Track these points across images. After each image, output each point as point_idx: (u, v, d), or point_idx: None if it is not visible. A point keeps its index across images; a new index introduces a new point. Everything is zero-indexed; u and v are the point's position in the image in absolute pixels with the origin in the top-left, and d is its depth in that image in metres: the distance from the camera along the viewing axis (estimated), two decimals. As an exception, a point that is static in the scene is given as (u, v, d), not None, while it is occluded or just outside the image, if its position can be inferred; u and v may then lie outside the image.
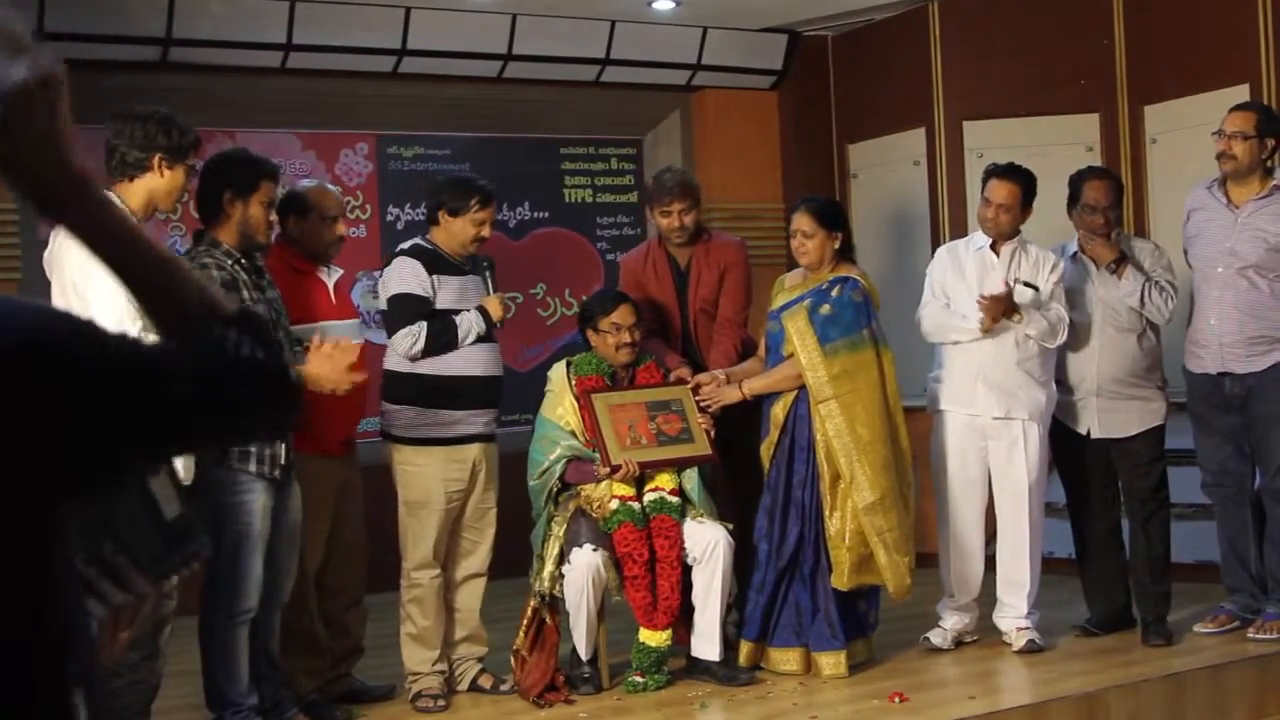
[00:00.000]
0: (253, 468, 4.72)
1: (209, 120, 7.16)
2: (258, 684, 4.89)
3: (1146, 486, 6.05)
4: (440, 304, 5.44)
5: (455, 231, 5.51)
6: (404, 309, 5.43)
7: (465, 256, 5.56)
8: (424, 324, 5.39)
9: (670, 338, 6.06)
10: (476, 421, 5.48)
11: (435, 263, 5.48)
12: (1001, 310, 5.75)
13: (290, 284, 5.20)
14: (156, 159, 4.39)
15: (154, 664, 4.42)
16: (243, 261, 4.80)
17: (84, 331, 1.49)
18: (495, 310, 5.47)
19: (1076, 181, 6.12)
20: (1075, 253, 6.11)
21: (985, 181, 6.07)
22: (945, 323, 5.97)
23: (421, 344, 5.38)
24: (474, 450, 5.48)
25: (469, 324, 5.42)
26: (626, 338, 5.64)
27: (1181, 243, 6.19)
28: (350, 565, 5.49)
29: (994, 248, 6.00)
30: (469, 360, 5.45)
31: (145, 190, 4.40)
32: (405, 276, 5.44)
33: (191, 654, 4.90)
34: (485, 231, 5.52)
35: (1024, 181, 6.00)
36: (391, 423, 5.52)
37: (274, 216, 5.03)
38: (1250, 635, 5.82)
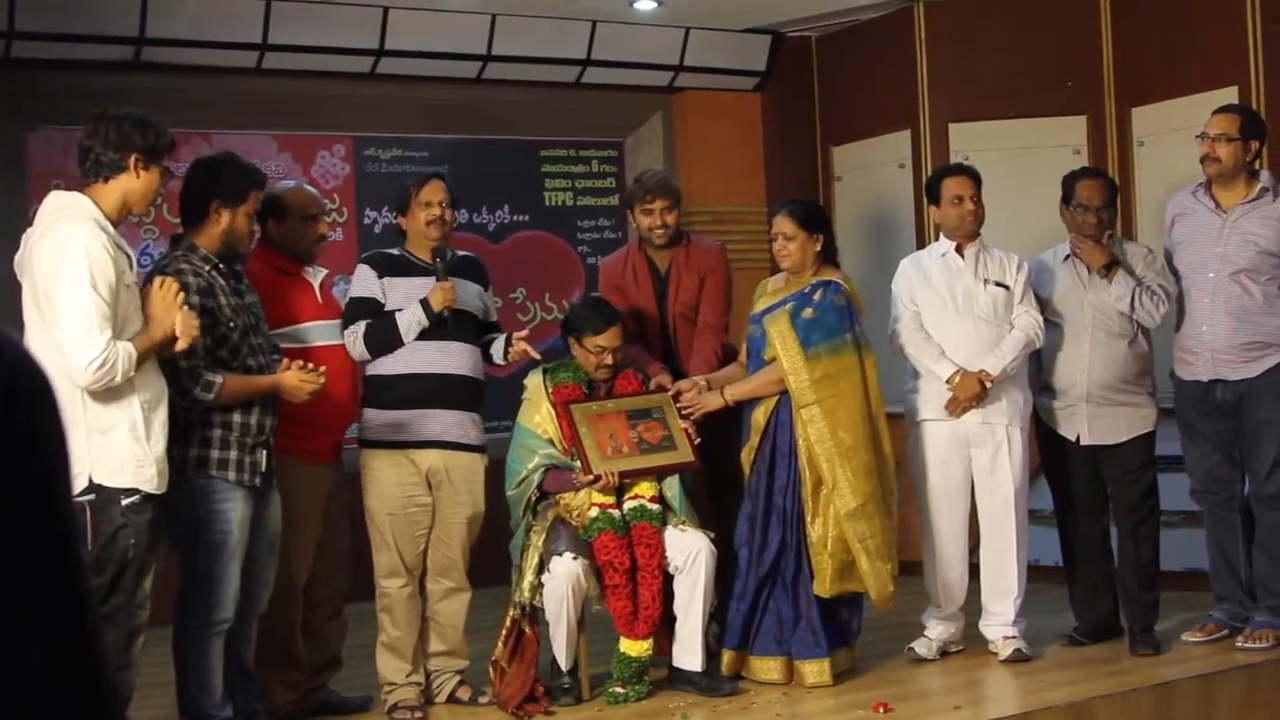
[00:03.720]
0: (232, 476, 4.65)
1: (183, 121, 7.06)
2: (232, 695, 4.81)
3: (1136, 494, 6.00)
4: (395, 305, 5.41)
5: (412, 226, 5.53)
6: (351, 313, 5.45)
7: (440, 256, 5.47)
8: (362, 323, 5.38)
9: (649, 343, 6.01)
10: (433, 423, 5.39)
11: (390, 266, 5.49)
12: (971, 398, 5.79)
13: (275, 286, 5.17)
14: (132, 159, 4.30)
15: (127, 675, 4.34)
16: (220, 267, 4.74)
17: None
18: (435, 299, 5.37)
19: (1070, 181, 6.09)
20: (1067, 255, 6.06)
21: (939, 184, 6.04)
22: (920, 356, 5.93)
23: (361, 343, 5.37)
24: (430, 457, 5.40)
25: (408, 319, 5.37)
26: (609, 359, 5.59)
27: (1163, 247, 6.15)
28: (334, 575, 5.44)
29: (959, 250, 5.96)
30: (415, 357, 5.39)
31: (120, 191, 4.32)
32: (356, 282, 5.53)
33: (164, 665, 4.82)
34: (435, 210, 5.48)
35: (977, 174, 6.03)
36: (359, 427, 5.50)
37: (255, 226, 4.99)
38: (1239, 644, 5.79)
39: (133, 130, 4.32)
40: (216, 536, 4.61)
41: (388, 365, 5.40)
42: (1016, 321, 5.86)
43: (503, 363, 5.64)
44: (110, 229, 4.25)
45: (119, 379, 4.13)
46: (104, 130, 4.32)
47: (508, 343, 5.57)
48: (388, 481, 5.38)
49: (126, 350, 4.14)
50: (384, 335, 5.36)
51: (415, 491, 5.39)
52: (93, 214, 4.22)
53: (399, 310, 5.38)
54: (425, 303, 5.36)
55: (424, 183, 5.54)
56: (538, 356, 5.65)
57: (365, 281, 5.47)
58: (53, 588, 1.23)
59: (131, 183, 4.33)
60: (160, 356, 4.39)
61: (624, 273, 6.07)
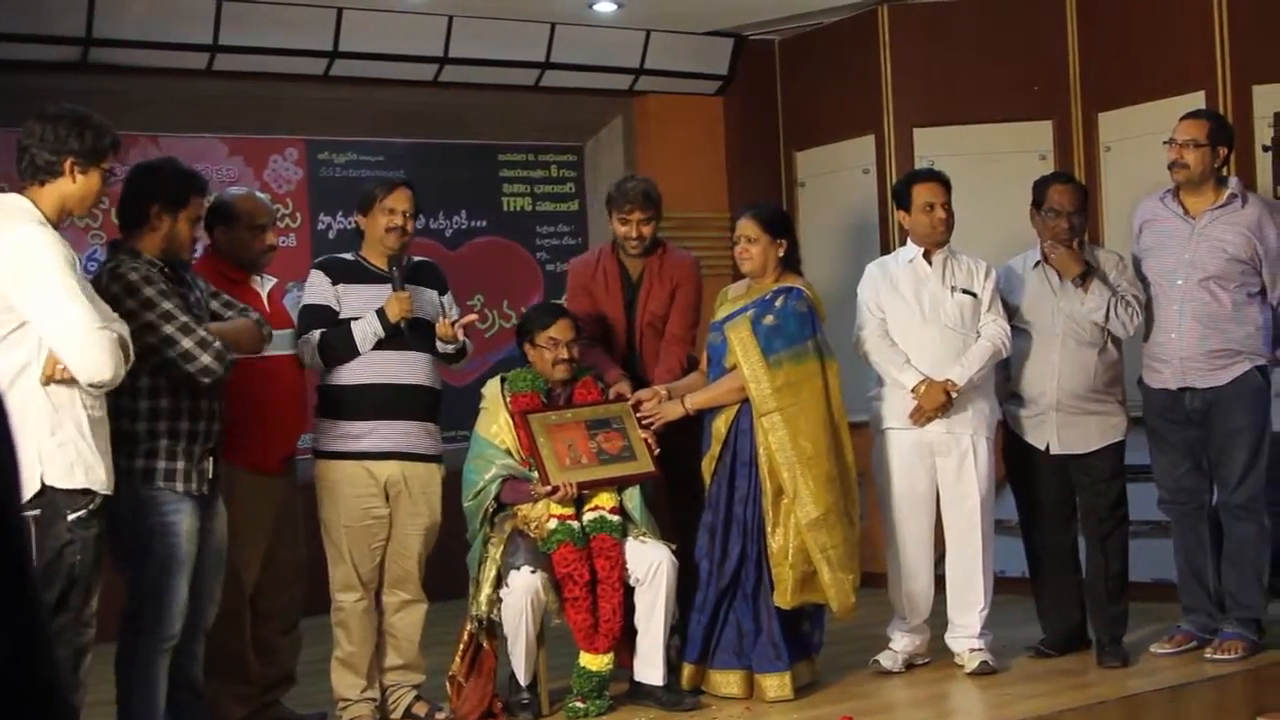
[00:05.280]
0: (180, 486, 4.53)
1: (131, 124, 6.96)
2: (179, 714, 4.70)
3: (1105, 504, 5.95)
4: (349, 313, 5.34)
5: (371, 230, 5.45)
6: (305, 320, 5.38)
7: (396, 264, 5.40)
8: (317, 331, 5.31)
9: (614, 349, 5.93)
10: (391, 434, 5.32)
11: (344, 272, 5.42)
12: (937, 407, 5.73)
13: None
14: (68, 163, 4.16)
15: (74, 696, 4.20)
16: (165, 270, 4.62)
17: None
18: (391, 310, 5.29)
19: (1041, 186, 6.04)
20: (1037, 262, 6.00)
21: (909, 190, 5.96)
22: (885, 364, 5.87)
23: (315, 352, 5.31)
24: (389, 468, 5.33)
25: (363, 329, 5.29)
26: (564, 353, 5.50)
27: (1130, 254, 6.10)
28: (286, 589, 5.35)
29: (926, 257, 5.90)
30: (372, 367, 5.32)
31: (57, 195, 4.18)
32: (309, 289, 5.45)
33: (103, 682, 4.67)
34: (396, 219, 5.41)
35: (947, 180, 5.97)
36: (314, 437, 5.43)
37: (200, 232, 4.88)
38: (1208, 655, 5.75)
39: (69, 133, 4.18)
40: (166, 550, 4.49)
41: (344, 375, 5.32)
42: (984, 330, 5.80)
43: (450, 349, 5.50)
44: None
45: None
46: (40, 131, 4.19)
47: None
48: (344, 494, 5.31)
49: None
50: (339, 345, 5.30)
51: (372, 504, 5.32)
52: (36, 215, 4.10)
53: (354, 319, 5.31)
54: (381, 313, 5.29)
55: (392, 189, 5.46)
56: (474, 317, 5.66)
57: (318, 288, 5.39)
58: (3, 602, 1.21)
59: (68, 187, 4.19)
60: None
61: (594, 275, 6.00)
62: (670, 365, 5.86)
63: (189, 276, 4.81)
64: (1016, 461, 6.08)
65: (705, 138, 8.72)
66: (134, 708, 4.57)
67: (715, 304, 5.84)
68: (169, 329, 4.41)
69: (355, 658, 5.31)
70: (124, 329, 4.12)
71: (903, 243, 6.15)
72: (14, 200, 4.15)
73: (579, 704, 5.30)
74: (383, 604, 5.42)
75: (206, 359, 4.43)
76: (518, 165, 8.64)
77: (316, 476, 5.39)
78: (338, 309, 5.34)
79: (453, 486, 5.53)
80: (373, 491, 5.31)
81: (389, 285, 5.35)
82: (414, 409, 5.37)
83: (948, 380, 5.70)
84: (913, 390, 5.74)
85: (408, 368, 5.35)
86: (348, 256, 5.52)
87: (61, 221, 4.26)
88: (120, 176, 4.69)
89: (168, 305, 4.43)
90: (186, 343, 4.42)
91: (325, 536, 5.36)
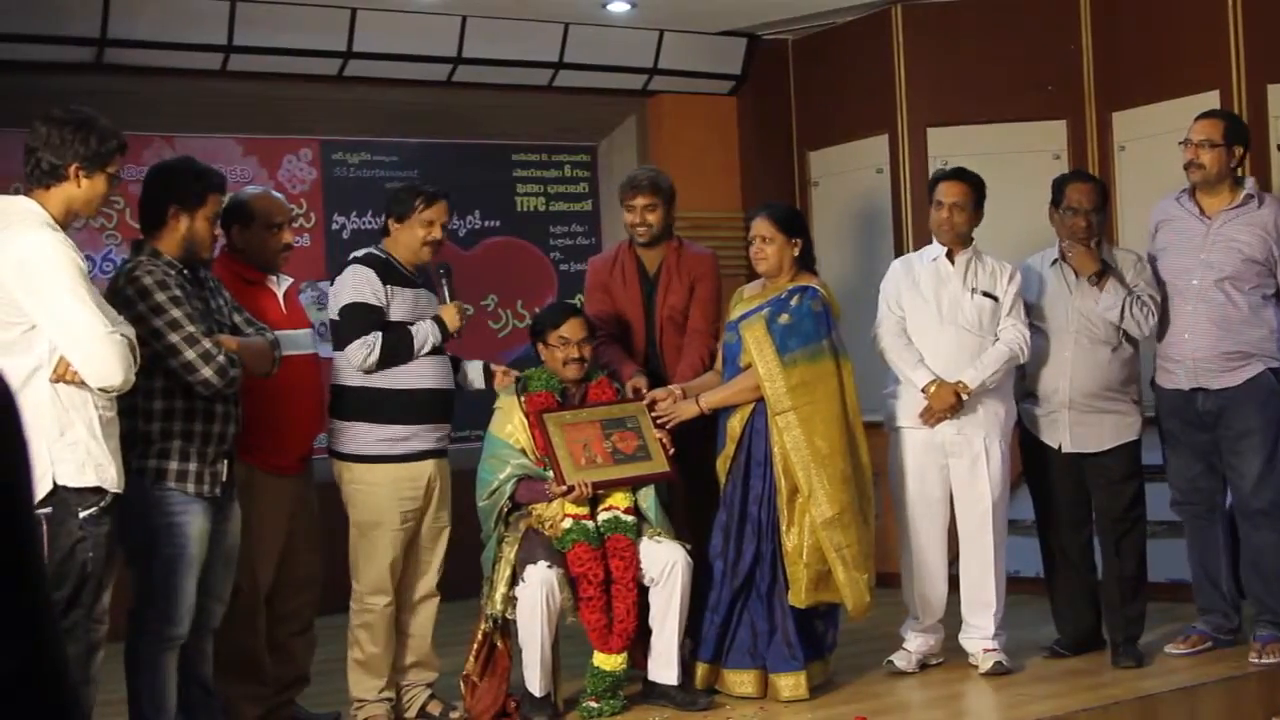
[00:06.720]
0: (191, 488, 4.53)
1: (146, 125, 7.00)
2: (192, 713, 4.70)
3: (1119, 505, 5.92)
4: (392, 316, 5.28)
5: (405, 238, 5.37)
6: (357, 319, 5.25)
7: (418, 267, 5.42)
8: (379, 334, 5.22)
9: (634, 346, 5.93)
10: (429, 437, 5.33)
11: (389, 272, 5.33)
12: (946, 409, 5.71)
13: (239, 295, 5.05)
14: (73, 168, 4.16)
15: (86, 691, 4.22)
16: (184, 272, 4.63)
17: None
18: (451, 320, 5.31)
19: (1059, 184, 6.03)
20: (1055, 260, 5.98)
21: (932, 188, 5.99)
22: (898, 362, 5.86)
23: (377, 355, 5.21)
24: (428, 467, 5.33)
25: (424, 334, 5.28)
26: (575, 353, 5.50)
27: (1147, 254, 6.07)
28: (302, 591, 5.33)
29: (949, 257, 5.88)
30: (422, 372, 5.30)
31: (63, 199, 4.18)
32: (359, 285, 5.28)
33: (119, 681, 4.68)
34: (435, 233, 5.36)
35: (973, 181, 5.93)
36: (342, 440, 5.34)
37: (219, 230, 4.87)
38: (1252, 660, 5.69)
39: (74, 137, 4.17)
40: (173, 550, 4.49)
41: (392, 380, 5.26)
42: (1002, 334, 5.78)
43: (481, 387, 5.56)
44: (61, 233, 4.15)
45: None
46: (46, 135, 4.18)
47: (488, 373, 5.59)
48: (386, 496, 5.27)
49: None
50: (400, 350, 5.25)
51: (410, 505, 5.31)
52: (44, 218, 4.10)
53: (408, 324, 5.27)
54: (440, 322, 5.30)
55: (435, 200, 5.38)
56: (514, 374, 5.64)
57: (370, 286, 5.25)
58: (14, 601, 1.21)
59: (73, 191, 4.18)
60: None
61: (612, 271, 6.01)
62: (693, 359, 5.85)
63: (212, 282, 4.82)
64: (1031, 461, 6.07)
65: (719, 137, 8.70)
66: (143, 705, 4.58)
67: (730, 303, 5.83)
68: (174, 338, 4.42)
69: (376, 660, 5.29)
70: (130, 331, 4.12)
71: (915, 242, 6.14)
72: (23, 203, 4.16)
73: (593, 704, 5.30)
74: (400, 601, 5.40)
75: (207, 372, 4.44)
76: (531, 165, 8.63)
77: (348, 480, 5.33)
78: (387, 311, 5.28)
79: (466, 485, 5.53)
80: (412, 494, 5.30)
81: (422, 290, 5.37)
82: (446, 410, 5.41)
83: (959, 382, 5.69)
84: (923, 390, 5.74)
85: (440, 372, 5.37)
86: (382, 255, 5.39)
87: (69, 224, 4.27)
88: (132, 177, 4.70)
89: (176, 313, 4.43)
90: (189, 354, 4.42)
91: (359, 539, 5.31)
